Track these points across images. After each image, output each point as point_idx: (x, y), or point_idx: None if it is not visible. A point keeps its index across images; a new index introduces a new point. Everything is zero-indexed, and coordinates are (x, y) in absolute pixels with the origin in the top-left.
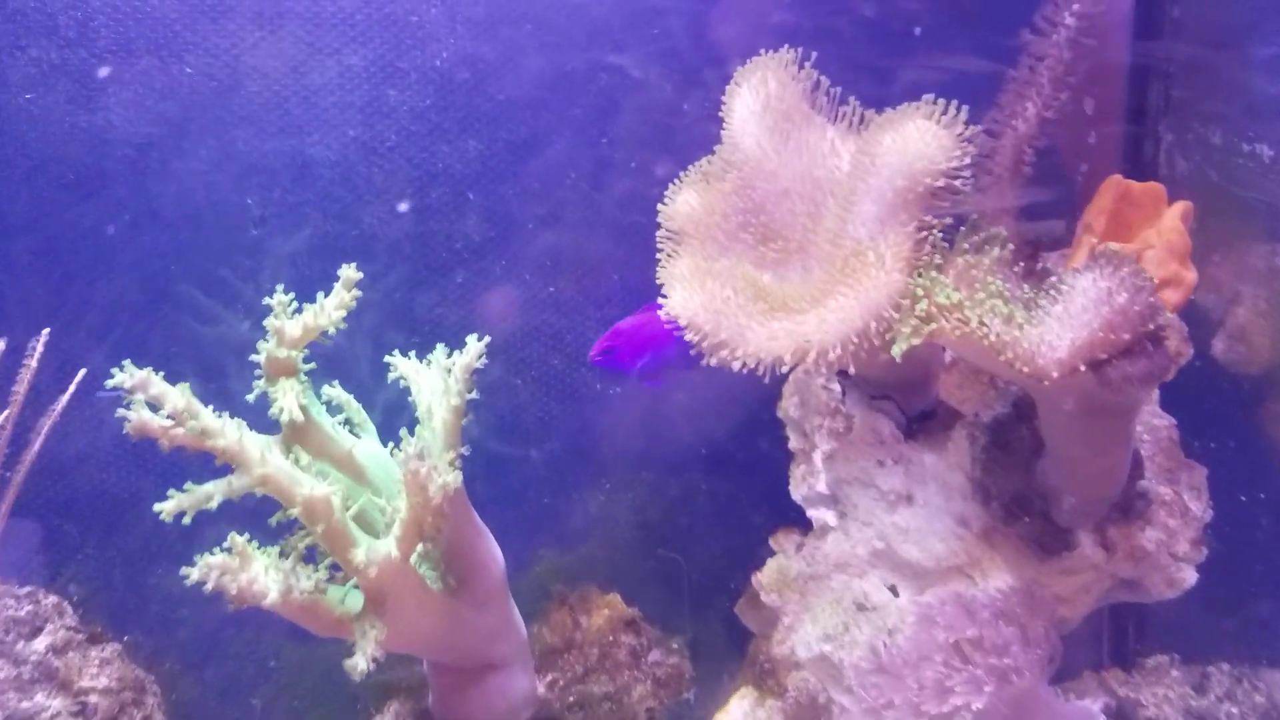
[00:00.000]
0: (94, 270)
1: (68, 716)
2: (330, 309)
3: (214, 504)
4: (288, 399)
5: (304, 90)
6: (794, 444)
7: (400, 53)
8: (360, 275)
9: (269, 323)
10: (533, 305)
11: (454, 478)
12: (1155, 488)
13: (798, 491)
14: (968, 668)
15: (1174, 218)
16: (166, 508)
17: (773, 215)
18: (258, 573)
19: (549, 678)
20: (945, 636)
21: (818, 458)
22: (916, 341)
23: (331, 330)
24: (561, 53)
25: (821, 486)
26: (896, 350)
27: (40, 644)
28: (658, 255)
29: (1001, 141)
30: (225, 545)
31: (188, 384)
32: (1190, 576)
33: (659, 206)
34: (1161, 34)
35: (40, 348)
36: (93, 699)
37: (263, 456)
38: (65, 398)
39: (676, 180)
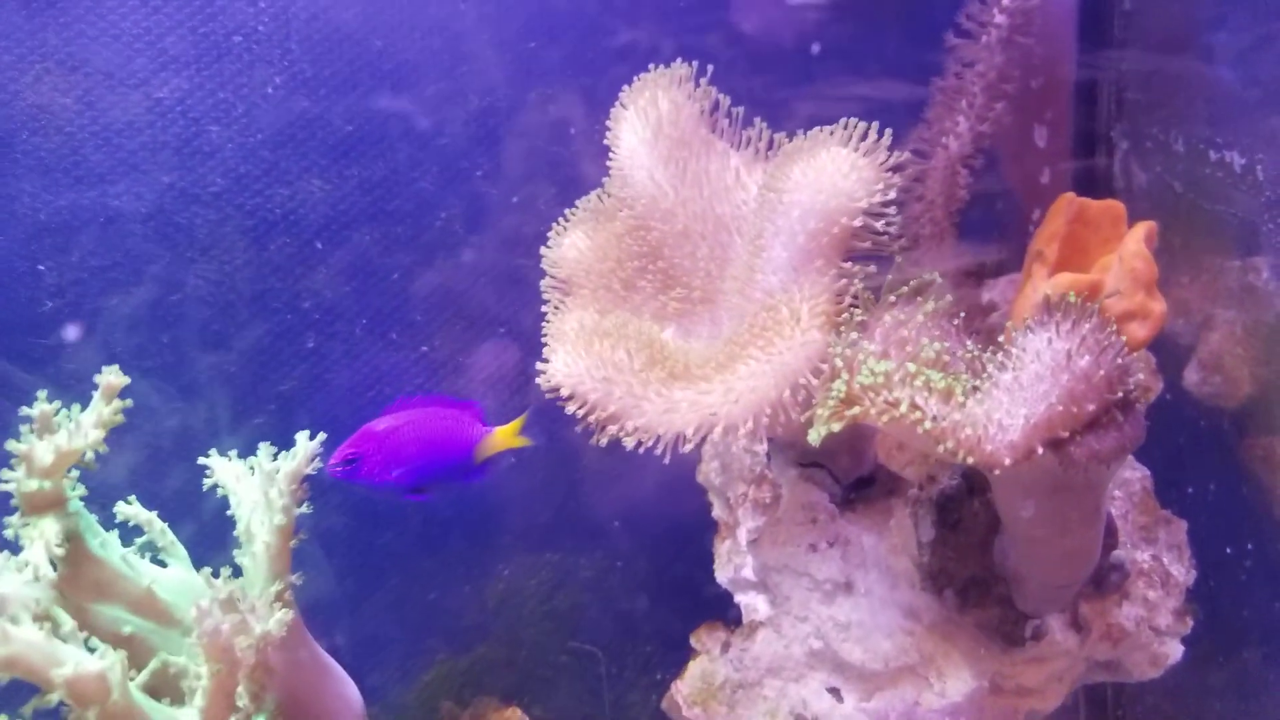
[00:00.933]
0: None
1: None
2: (88, 427)
3: None
4: (36, 549)
5: (103, 131)
6: (718, 512)
7: (222, 80)
8: (124, 381)
9: (13, 446)
10: (402, 370)
11: (277, 622)
12: (1131, 555)
13: (723, 573)
14: None
15: (1137, 241)
16: None
17: (673, 260)
18: None
19: None
20: None
21: (743, 536)
22: (836, 428)
23: (91, 454)
24: (422, 73)
25: (748, 572)
26: (814, 436)
27: None
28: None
29: (932, 163)
30: None
31: None
32: (1175, 651)
33: (542, 250)
34: (1111, 29)
35: None
36: None
37: (4, 634)
38: None
39: (561, 219)
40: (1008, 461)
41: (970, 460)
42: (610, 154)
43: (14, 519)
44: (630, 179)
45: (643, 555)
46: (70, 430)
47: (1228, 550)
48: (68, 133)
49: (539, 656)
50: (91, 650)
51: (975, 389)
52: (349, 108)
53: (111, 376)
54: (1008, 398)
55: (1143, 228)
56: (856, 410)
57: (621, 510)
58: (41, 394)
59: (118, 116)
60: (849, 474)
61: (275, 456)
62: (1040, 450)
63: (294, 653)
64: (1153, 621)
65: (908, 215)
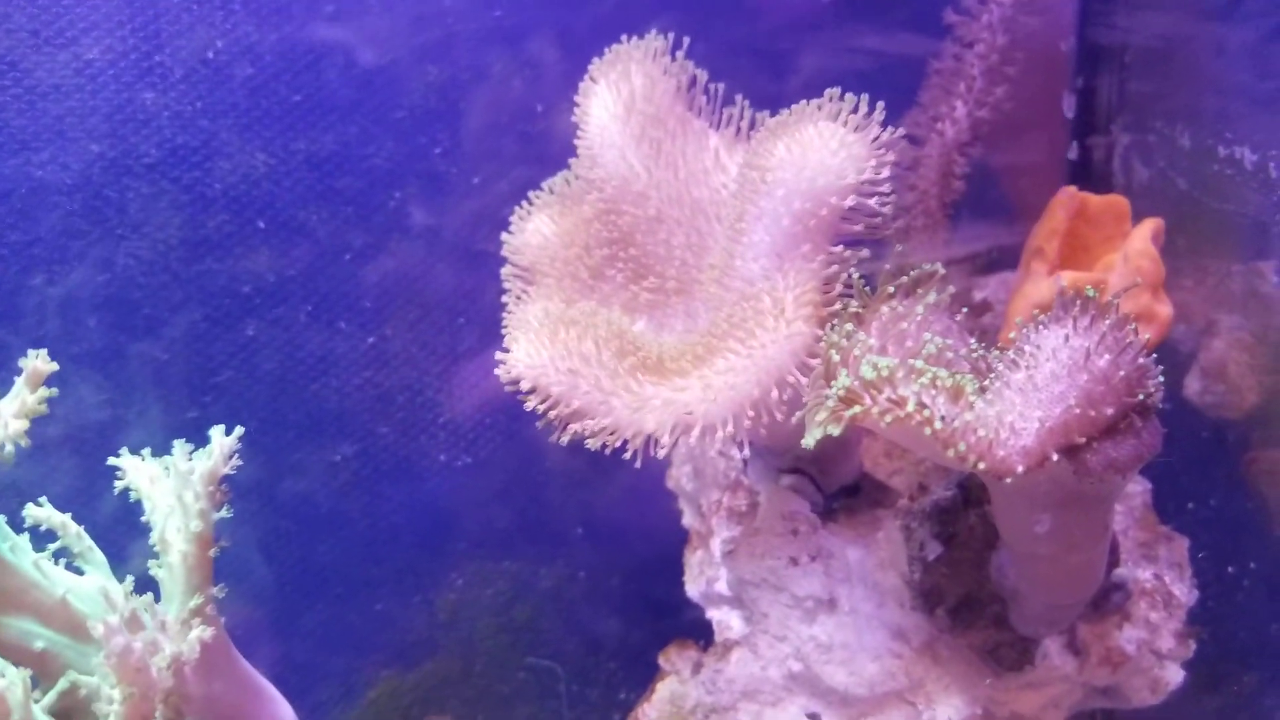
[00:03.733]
0: None
1: None
2: (8, 417)
3: None
4: None
5: (26, 94)
6: (689, 521)
7: (159, 43)
8: (52, 368)
9: None
10: (350, 361)
11: (193, 642)
12: (1133, 574)
13: (695, 586)
14: None
15: (1143, 239)
16: None
17: (645, 247)
18: None
19: None
20: None
21: (716, 547)
22: (835, 432)
23: (10, 447)
24: (377, 40)
25: (722, 585)
26: (809, 440)
27: None
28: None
29: (926, 150)
30: None
31: None
32: (1176, 677)
33: (504, 236)
34: (1115, 13)
35: None
36: None
37: None
38: None
39: (525, 203)
40: (1020, 469)
41: (981, 466)
42: (579, 132)
43: None
44: (600, 159)
45: (608, 565)
46: None
47: (1229, 569)
48: None
49: (494, 673)
50: None
51: (984, 389)
52: (296, 76)
53: (38, 362)
54: (1021, 399)
55: (1149, 225)
56: (857, 410)
57: (585, 516)
58: None
59: (43, 78)
60: (833, 482)
61: (191, 455)
62: (1055, 457)
63: (218, 673)
64: (1154, 645)
65: (899, 205)
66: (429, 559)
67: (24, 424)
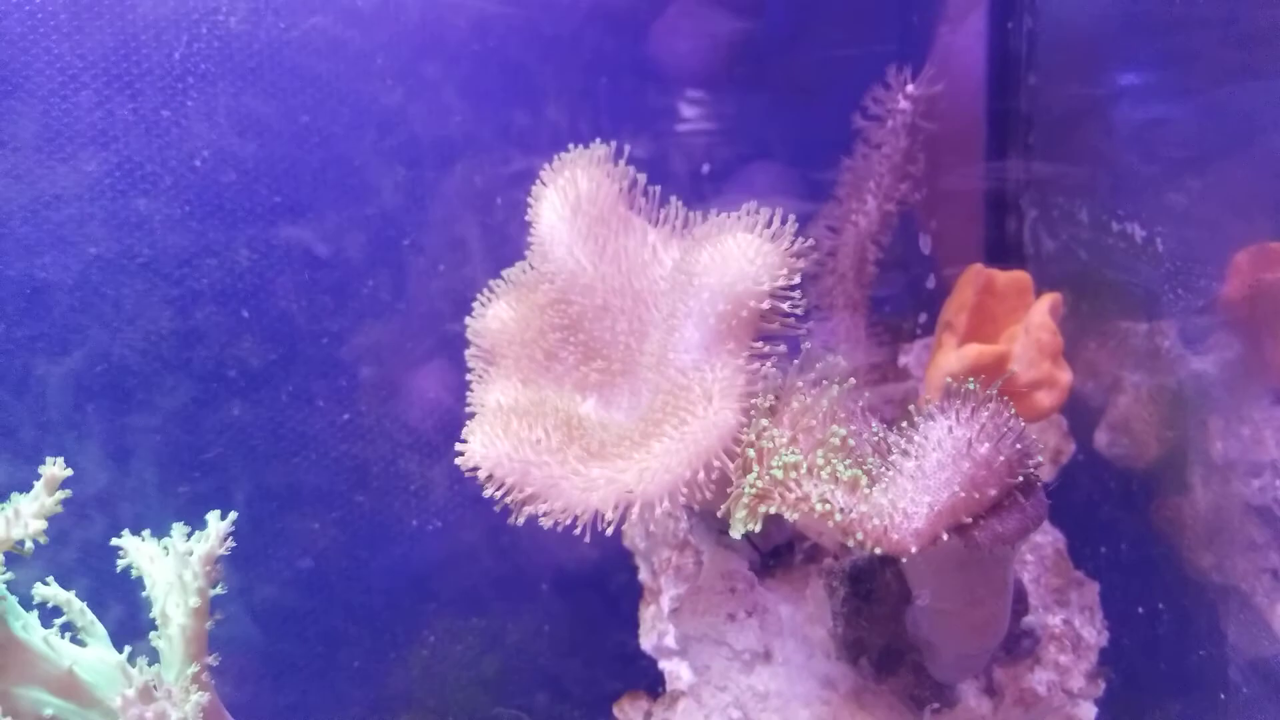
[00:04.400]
0: None
1: None
2: (28, 517)
3: None
4: None
5: (31, 203)
6: (643, 577)
7: (150, 153)
8: (66, 473)
9: None
10: (328, 436)
11: (194, 707)
12: (1043, 619)
13: (648, 640)
14: None
15: (1042, 313)
16: None
17: (592, 333)
18: None
19: None
20: None
21: (665, 604)
22: (753, 526)
23: (30, 544)
24: (346, 145)
25: (670, 640)
26: (735, 532)
27: None
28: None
29: (842, 239)
30: None
31: None
32: (1089, 714)
33: (467, 320)
34: (1019, 102)
35: None
36: None
37: None
38: None
39: (486, 290)
40: (914, 549)
41: (879, 550)
42: (531, 229)
43: None
44: (550, 254)
45: (571, 619)
46: (9, 518)
47: (1140, 610)
48: None
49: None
50: None
51: (881, 474)
52: (276, 179)
53: (55, 469)
54: (911, 485)
55: (1047, 300)
56: (770, 506)
57: (549, 574)
58: None
59: (45, 189)
60: (768, 541)
61: (189, 537)
62: (945, 536)
63: None
64: (1065, 685)
65: (821, 287)
66: (403, 618)
67: (43, 524)
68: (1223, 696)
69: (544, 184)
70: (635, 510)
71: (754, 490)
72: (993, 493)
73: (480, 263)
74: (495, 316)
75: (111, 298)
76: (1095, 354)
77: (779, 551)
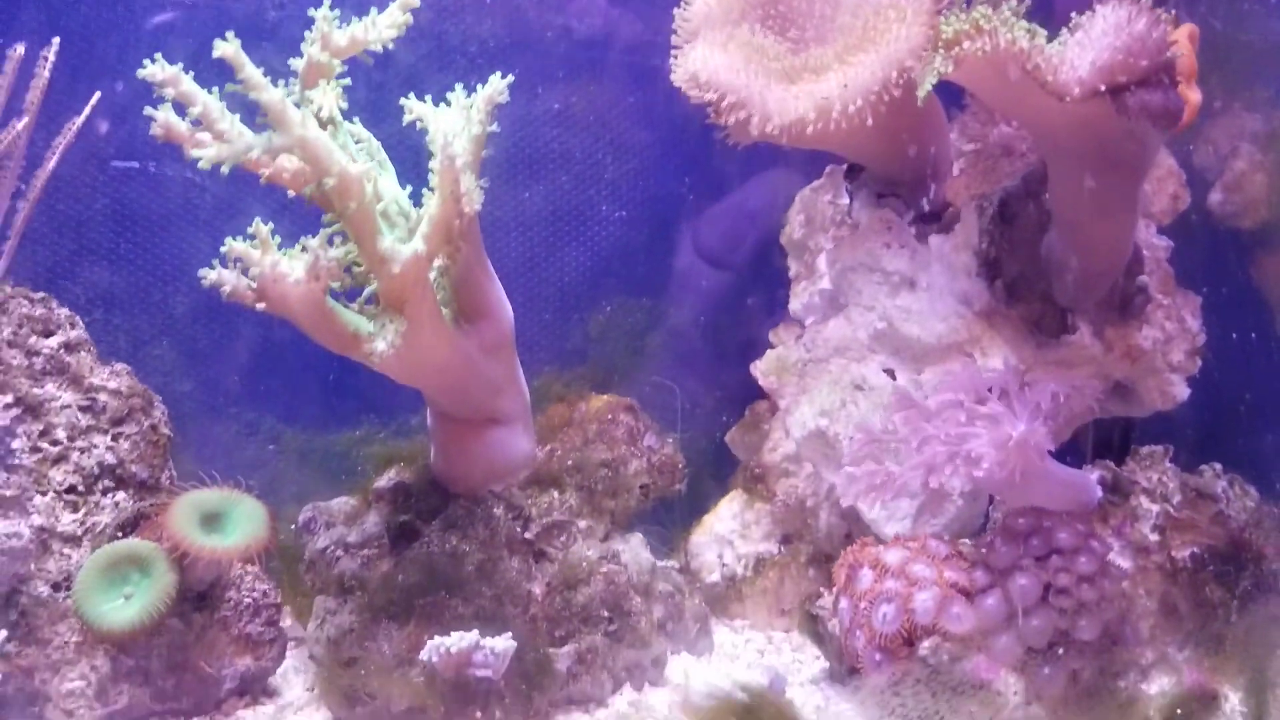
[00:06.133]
0: None
1: (77, 409)
2: (382, 26)
3: (254, 155)
4: (326, 97)
5: None
6: (794, 271)
7: None
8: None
9: (315, 28)
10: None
11: (477, 192)
12: (1154, 294)
13: (798, 301)
14: (969, 428)
15: (1182, 38)
16: (206, 154)
17: (791, 3)
18: (279, 257)
19: (548, 448)
20: (946, 400)
21: (821, 262)
22: (947, 70)
23: (379, 47)
24: None
25: (825, 283)
26: (924, 87)
27: (53, 341)
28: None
29: None
30: (249, 232)
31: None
32: (1183, 391)
33: (675, 11)
34: None
35: (52, 56)
36: (102, 398)
37: (303, 120)
38: (81, 119)
39: None
40: (1077, 91)
41: (1049, 80)
42: None
43: (295, 86)
44: None
45: (723, 315)
46: (366, 24)
47: (1233, 335)
48: None
49: (627, 381)
50: None
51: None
52: None
53: None
54: (1078, 48)
55: (1187, 28)
56: (962, 47)
57: (709, 272)
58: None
59: None
60: (921, 205)
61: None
62: (1101, 88)
63: (474, 246)
64: (1167, 354)
65: None
66: (586, 286)
67: (394, 32)
68: None
69: None
70: (836, 110)
71: (954, 30)
72: (1144, 63)
73: None
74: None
75: None
76: (1215, 128)
77: (931, 217)
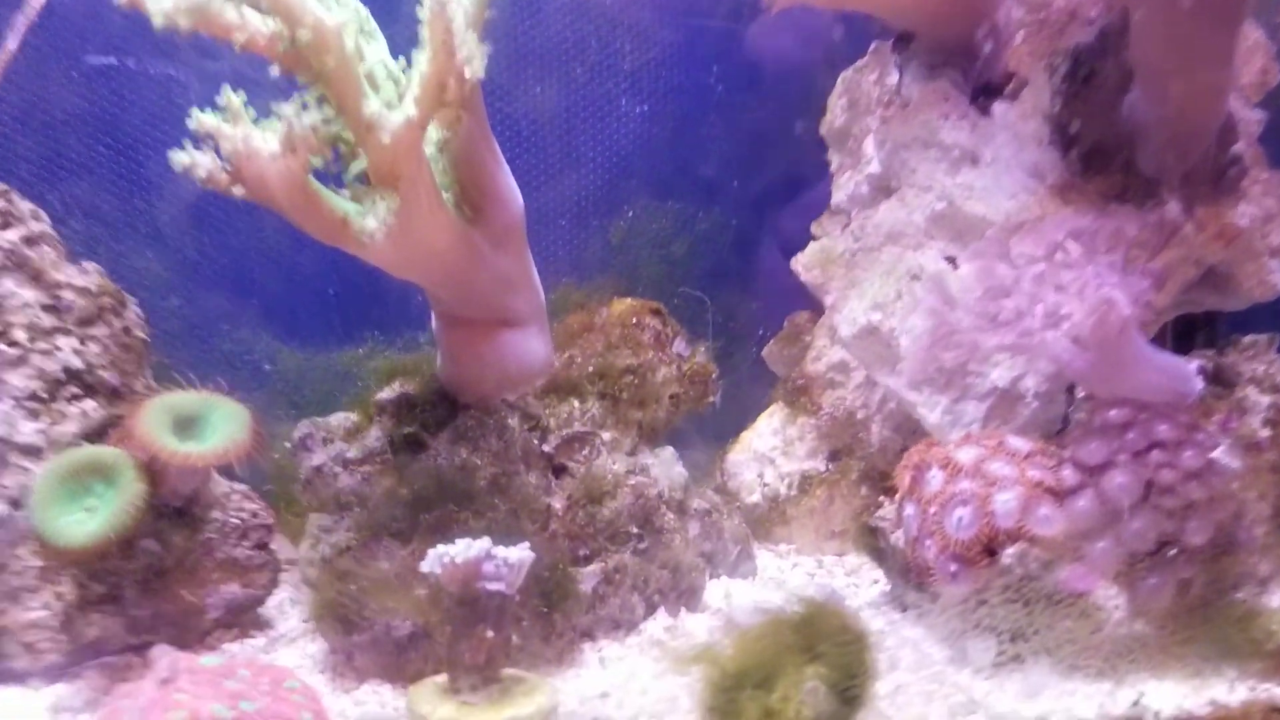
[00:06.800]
0: None
1: (39, 308)
2: None
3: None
4: None
5: None
6: (836, 163)
7: None
8: None
9: None
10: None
11: (480, 55)
12: (1250, 165)
13: (842, 193)
14: (1057, 291)
15: None
16: (163, 6)
17: None
18: (252, 130)
19: (567, 355)
20: (1029, 257)
21: (868, 145)
22: None
23: None
24: None
25: (874, 167)
26: None
27: (13, 234)
28: None
29: None
30: (219, 103)
31: None
32: None
33: None
34: None
35: None
36: (68, 296)
37: None
38: None
39: None
40: None
41: None
42: None
43: None
44: None
45: (756, 219)
46: None
47: None
48: None
49: (652, 293)
50: None
51: None
52: None
53: None
54: None
55: None
56: None
57: (740, 171)
58: None
59: None
60: (980, 78)
61: None
62: None
63: (477, 122)
64: (1266, 234)
65: None
66: (607, 189)
67: None
68: None
69: None
70: None
71: None
72: None
73: None
74: None
75: None
76: None
77: (991, 90)
